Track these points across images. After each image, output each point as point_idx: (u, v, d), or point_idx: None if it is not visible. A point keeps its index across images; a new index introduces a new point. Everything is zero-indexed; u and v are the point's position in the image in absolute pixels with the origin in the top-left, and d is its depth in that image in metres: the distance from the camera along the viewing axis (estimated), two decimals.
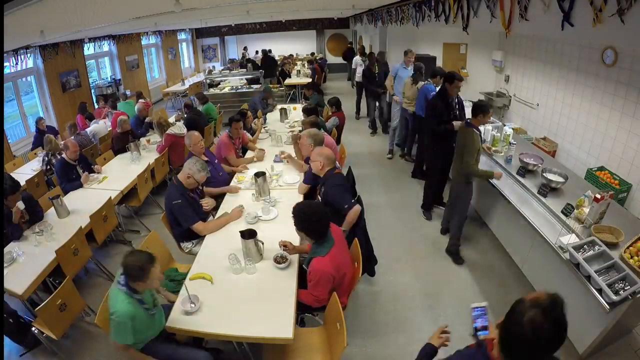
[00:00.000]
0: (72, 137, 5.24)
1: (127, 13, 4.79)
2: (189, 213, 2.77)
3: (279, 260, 2.38)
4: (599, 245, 2.35)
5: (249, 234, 2.42)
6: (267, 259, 2.44)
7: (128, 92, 9.13)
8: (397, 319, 2.90)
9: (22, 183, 4.21)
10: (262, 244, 2.46)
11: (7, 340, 2.80)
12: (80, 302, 2.60)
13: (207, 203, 3.14)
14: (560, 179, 3.05)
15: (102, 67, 9.83)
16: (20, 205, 3.10)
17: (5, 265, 2.69)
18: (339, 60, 14.55)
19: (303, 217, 2.11)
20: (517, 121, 5.94)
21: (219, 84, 9.68)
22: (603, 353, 2.47)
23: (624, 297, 2.05)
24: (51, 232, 3.06)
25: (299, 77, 10.28)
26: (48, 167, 4.55)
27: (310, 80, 9.50)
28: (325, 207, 2.23)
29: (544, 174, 3.09)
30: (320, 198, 2.89)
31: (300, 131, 3.92)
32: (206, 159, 3.58)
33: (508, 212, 3.34)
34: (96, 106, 8.50)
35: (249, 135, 4.93)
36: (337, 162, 3.33)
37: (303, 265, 2.41)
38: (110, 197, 3.64)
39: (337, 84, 12.92)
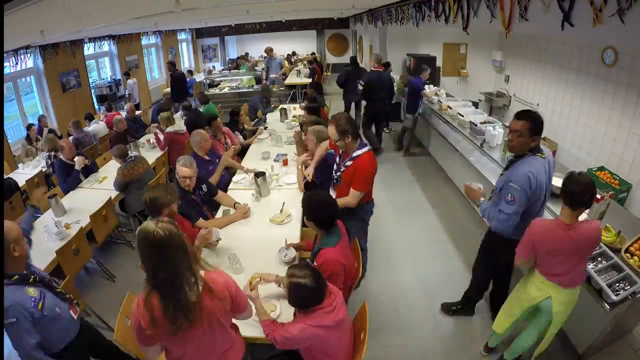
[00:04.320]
0: (74, 135, 5.29)
1: (127, 13, 4.79)
2: (190, 213, 2.77)
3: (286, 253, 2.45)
4: (599, 246, 2.35)
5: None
6: (267, 259, 2.46)
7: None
8: (397, 319, 2.90)
9: (22, 183, 4.22)
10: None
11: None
12: (80, 303, 2.60)
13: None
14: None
15: (102, 67, 9.83)
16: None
17: None
18: (341, 60, 14.57)
19: (314, 205, 2.15)
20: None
21: (219, 84, 9.68)
22: (603, 353, 2.47)
23: (624, 297, 2.06)
24: (51, 232, 3.06)
25: (299, 77, 10.27)
26: (51, 168, 4.51)
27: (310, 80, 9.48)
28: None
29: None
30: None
31: (301, 127, 3.94)
32: (208, 158, 3.61)
33: None
34: (97, 107, 8.53)
35: (240, 137, 4.97)
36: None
37: (308, 260, 2.42)
38: (110, 197, 3.64)
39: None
